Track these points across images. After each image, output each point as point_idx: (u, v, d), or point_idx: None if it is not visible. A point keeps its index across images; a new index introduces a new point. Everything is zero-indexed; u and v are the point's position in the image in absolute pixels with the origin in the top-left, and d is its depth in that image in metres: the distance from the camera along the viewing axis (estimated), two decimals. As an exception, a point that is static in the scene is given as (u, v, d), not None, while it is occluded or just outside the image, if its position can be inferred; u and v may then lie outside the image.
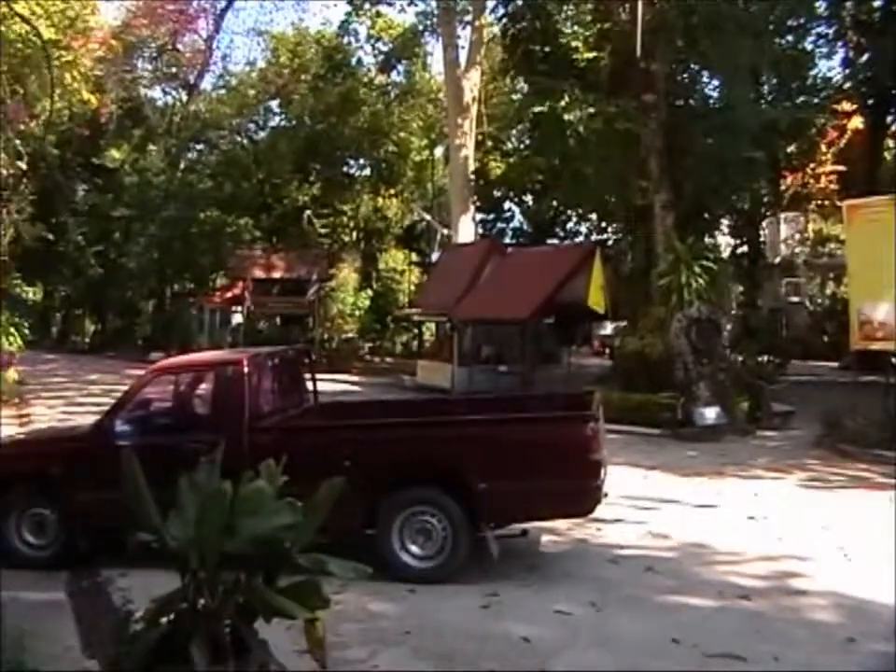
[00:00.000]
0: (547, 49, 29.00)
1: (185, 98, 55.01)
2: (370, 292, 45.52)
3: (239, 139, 53.85)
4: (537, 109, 27.71)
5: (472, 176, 39.33)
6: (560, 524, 11.55)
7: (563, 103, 26.09)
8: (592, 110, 25.81)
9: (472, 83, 39.10)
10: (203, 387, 11.37)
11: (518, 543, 10.63)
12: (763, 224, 36.58)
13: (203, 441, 9.91)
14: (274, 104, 52.96)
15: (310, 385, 12.36)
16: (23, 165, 27.65)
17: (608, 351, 40.41)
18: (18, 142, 28.60)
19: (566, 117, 26.02)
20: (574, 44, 29.44)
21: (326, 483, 6.24)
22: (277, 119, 53.38)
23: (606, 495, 9.98)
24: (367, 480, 9.27)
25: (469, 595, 9.31)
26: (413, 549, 9.74)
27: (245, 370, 10.27)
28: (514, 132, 47.22)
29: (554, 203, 45.43)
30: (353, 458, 9.47)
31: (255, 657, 5.88)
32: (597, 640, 8.06)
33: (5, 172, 28.11)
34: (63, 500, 10.57)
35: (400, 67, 51.83)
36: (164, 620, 6.05)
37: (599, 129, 26.12)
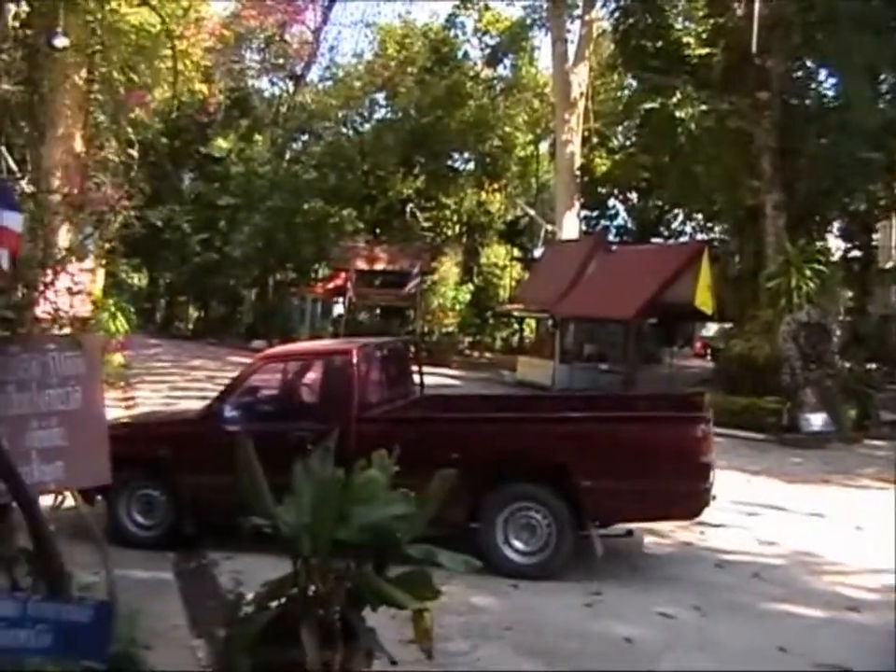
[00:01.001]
0: (659, 44, 28.54)
1: (291, 89, 55.51)
2: (470, 287, 45.47)
3: (344, 131, 54.16)
4: (647, 106, 27.40)
5: (578, 173, 38.99)
6: (663, 525, 11.40)
7: (675, 100, 25.75)
8: (704, 108, 25.40)
9: (580, 78, 38.75)
10: (312, 376, 11.45)
11: (622, 543, 10.51)
12: (877, 228, 35.59)
13: (309, 429, 10.02)
14: (380, 96, 53.11)
15: (416, 377, 12.40)
16: (135, 153, 28.07)
17: (710, 353, 39.87)
18: (130, 130, 29.04)
19: (677, 114, 25.68)
20: (686, 40, 29.02)
21: (438, 475, 6.22)
22: (383, 111, 53.62)
23: (714, 498, 9.82)
24: (473, 473, 9.23)
25: (571, 592, 9.23)
26: (517, 544, 9.69)
27: (354, 360, 10.31)
28: (620, 128, 46.69)
29: (659, 201, 44.93)
30: (460, 451, 9.44)
31: (362, 644, 5.89)
32: (701, 644, 7.93)
33: (116, 159, 28.59)
34: (172, 482, 10.75)
35: (507, 61, 51.59)
36: (273, 604, 6.12)
37: (711, 127, 25.68)
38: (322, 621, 5.76)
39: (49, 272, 6.74)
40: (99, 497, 10.14)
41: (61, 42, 18.10)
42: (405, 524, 5.82)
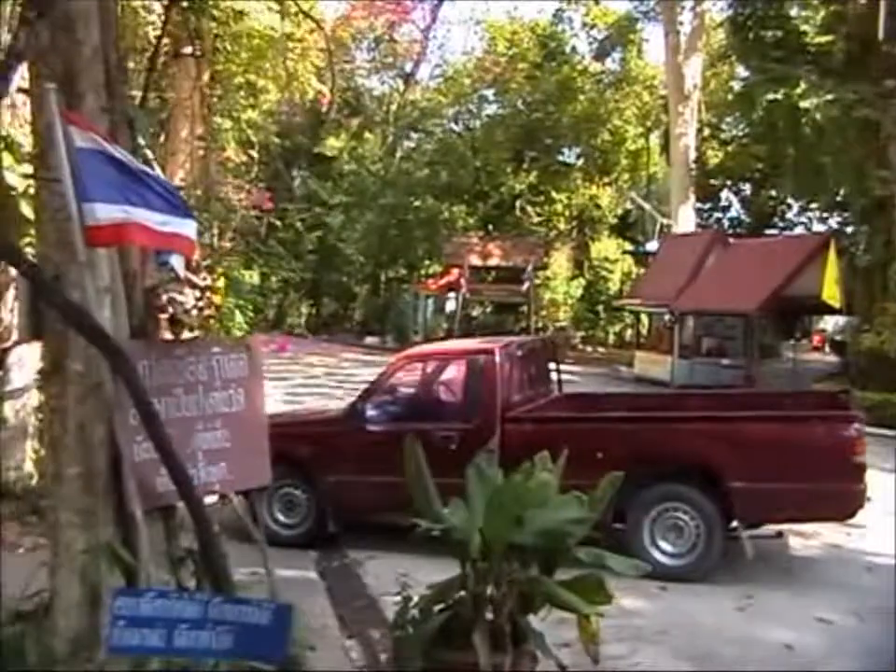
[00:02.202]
0: (778, 33, 27.96)
1: (402, 87, 55.77)
2: (581, 281, 45.21)
3: (455, 127, 54.25)
4: (769, 97, 26.87)
5: (693, 165, 38.46)
6: (807, 526, 11.15)
7: (799, 90, 25.20)
8: (829, 97, 24.78)
9: (693, 70, 38.22)
10: (454, 376, 11.44)
11: (768, 545, 10.30)
12: None
13: (452, 429, 10.04)
14: (490, 92, 53.03)
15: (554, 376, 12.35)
16: (255, 154, 28.52)
17: (828, 346, 39.05)
18: (250, 131, 29.49)
19: (801, 104, 25.13)
20: (804, 28, 28.43)
21: (607, 477, 6.16)
22: (493, 107, 53.50)
23: (869, 499, 9.57)
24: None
25: (722, 595, 9.09)
26: (664, 546, 9.57)
27: (497, 359, 10.28)
28: (731, 119, 45.91)
29: (774, 192, 44.09)
30: (604, 451, 9.35)
31: (530, 648, 5.85)
32: (864, 652, 7.72)
33: (237, 159, 29.07)
34: (314, 481, 10.85)
35: (615, 55, 51.19)
36: (437, 606, 6.10)
37: (836, 116, 25.05)
38: (493, 624, 5.74)
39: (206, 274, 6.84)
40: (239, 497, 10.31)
41: (188, 49, 18.47)
42: (575, 527, 5.76)
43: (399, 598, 6.54)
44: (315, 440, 10.89)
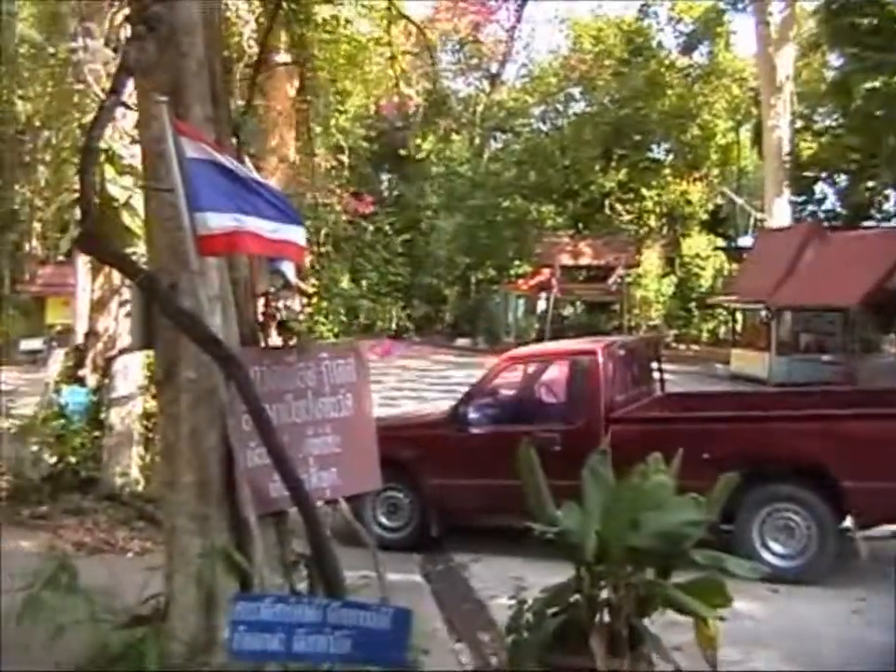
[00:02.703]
0: (874, 20, 27.32)
1: (488, 88, 55.75)
2: (673, 278, 44.73)
3: (543, 127, 54.06)
4: (867, 85, 26.29)
5: (786, 158, 37.79)
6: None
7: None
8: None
9: (785, 61, 37.58)
10: (556, 377, 11.38)
11: (883, 546, 10.01)
12: None
13: (555, 430, 9.98)
14: (576, 90, 52.75)
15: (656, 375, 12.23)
16: (345, 158, 28.70)
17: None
18: (339, 136, 29.66)
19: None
20: (901, 14, 27.76)
21: (722, 478, 6.06)
22: (580, 105, 53.15)
23: None
24: (725, 474, 8.97)
25: (835, 598, 8.88)
26: (775, 547, 9.40)
27: (600, 359, 10.21)
28: (825, 109, 44.96)
29: (870, 183, 43.08)
30: (710, 451, 9.20)
31: (646, 652, 5.77)
32: None
33: (326, 164, 29.26)
34: (417, 484, 10.86)
35: (703, 48, 50.59)
36: (550, 610, 6.04)
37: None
38: (609, 627, 5.67)
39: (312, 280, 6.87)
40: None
41: (283, 58, 18.68)
42: (692, 529, 5.66)
43: (508, 601, 6.48)
44: (418, 443, 10.91)
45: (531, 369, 11.51)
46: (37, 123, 41.56)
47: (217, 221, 5.38)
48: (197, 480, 5.85)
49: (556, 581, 6.07)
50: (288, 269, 5.84)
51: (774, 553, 9.38)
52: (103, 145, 11.56)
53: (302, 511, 5.70)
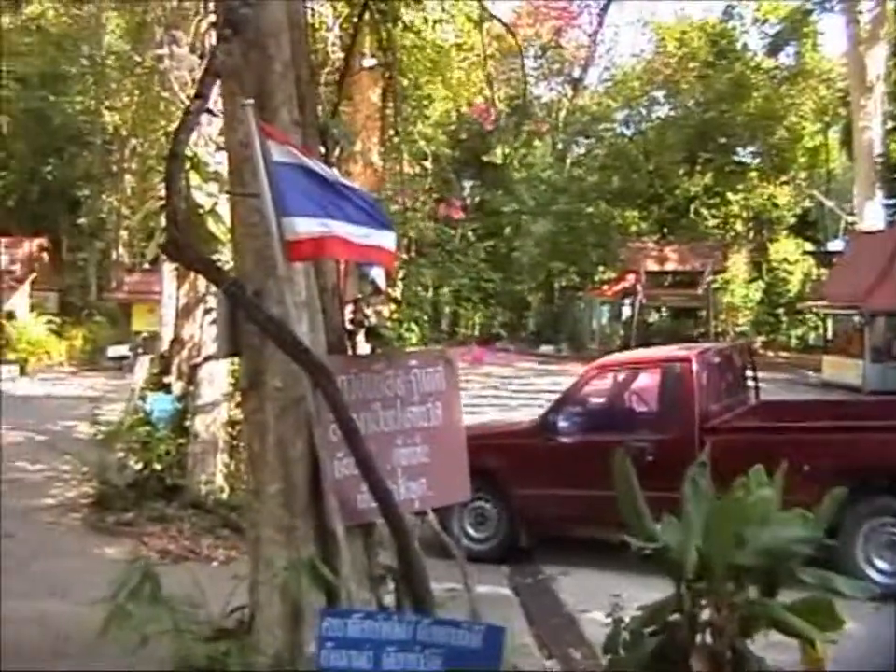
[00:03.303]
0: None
1: (570, 93, 55.41)
2: (760, 283, 44.01)
3: (626, 131, 53.56)
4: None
5: (878, 159, 36.92)
6: None
7: None
8: None
9: (876, 60, 36.71)
10: (648, 385, 11.13)
11: None
12: None
13: (648, 440, 9.72)
14: (660, 94, 52.19)
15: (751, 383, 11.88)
16: (429, 165, 28.66)
17: None
18: (422, 142, 29.64)
19: None
20: None
21: (829, 494, 5.78)
22: (664, 109, 52.57)
23: None
24: (826, 487, 8.62)
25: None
26: (880, 564, 9.02)
27: (694, 367, 9.94)
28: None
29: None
30: (811, 463, 8.85)
31: (750, 673, 5.51)
32: None
33: (410, 171, 29.24)
34: (505, 494, 10.67)
35: (789, 49, 49.69)
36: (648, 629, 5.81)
37: None
38: (711, 648, 5.42)
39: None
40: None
41: (369, 62, 18.63)
42: (800, 546, 5.39)
43: (600, 616, 6.28)
44: (507, 452, 10.73)
45: (622, 376, 11.27)
46: (124, 133, 42.55)
47: (305, 226, 5.25)
48: (283, 490, 5.72)
49: (650, 597, 5.85)
50: (378, 275, 5.68)
51: (879, 570, 9.01)
52: (188, 152, 11.58)
53: (390, 522, 5.55)
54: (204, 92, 5.34)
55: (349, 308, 6.48)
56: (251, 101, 5.35)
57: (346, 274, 6.20)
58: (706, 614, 5.53)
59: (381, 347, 6.21)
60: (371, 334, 6.29)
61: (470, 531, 10.78)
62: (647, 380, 11.14)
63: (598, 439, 10.19)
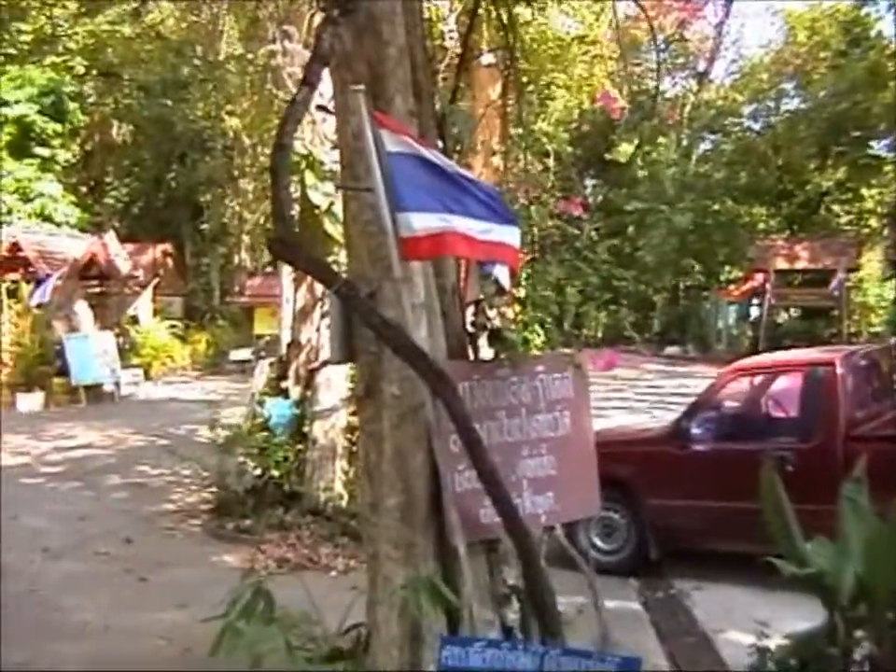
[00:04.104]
0: None
1: (695, 87, 54.31)
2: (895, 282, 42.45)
3: (754, 125, 52.25)
4: None
5: None
6: None
7: None
8: None
9: None
10: (789, 390, 10.51)
11: None
12: None
13: (788, 449, 9.14)
14: (790, 86, 50.76)
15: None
16: (551, 163, 28.19)
17: None
18: (543, 139, 29.21)
19: None
20: None
21: None
22: (794, 101, 51.14)
23: None
24: None
25: None
26: None
27: (839, 370, 9.29)
28: None
29: None
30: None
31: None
32: None
33: (531, 170, 28.79)
34: (634, 504, 10.17)
35: (929, 33, 47.76)
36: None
37: None
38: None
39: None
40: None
41: (486, 59, 18.23)
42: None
43: (733, 636, 5.81)
44: (636, 460, 10.21)
45: (760, 381, 10.66)
46: (244, 137, 43.11)
47: (423, 222, 4.85)
48: (401, 503, 5.36)
49: (791, 619, 5.37)
50: (502, 273, 5.26)
51: None
52: (302, 150, 11.36)
53: (516, 539, 5.16)
54: (311, 79, 4.97)
55: (470, 310, 6.10)
56: (362, 87, 4.99)
57: (468, 274, 5.78)
58: (863, 646, 5.01)
59: (505, 352, 5.78)
60: (495, 338, 5.87)
61: (598, 542, 10.27)
62: (787, 384, 10.54)
63: (735, 447, 9.66)
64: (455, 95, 6.85)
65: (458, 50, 10.84)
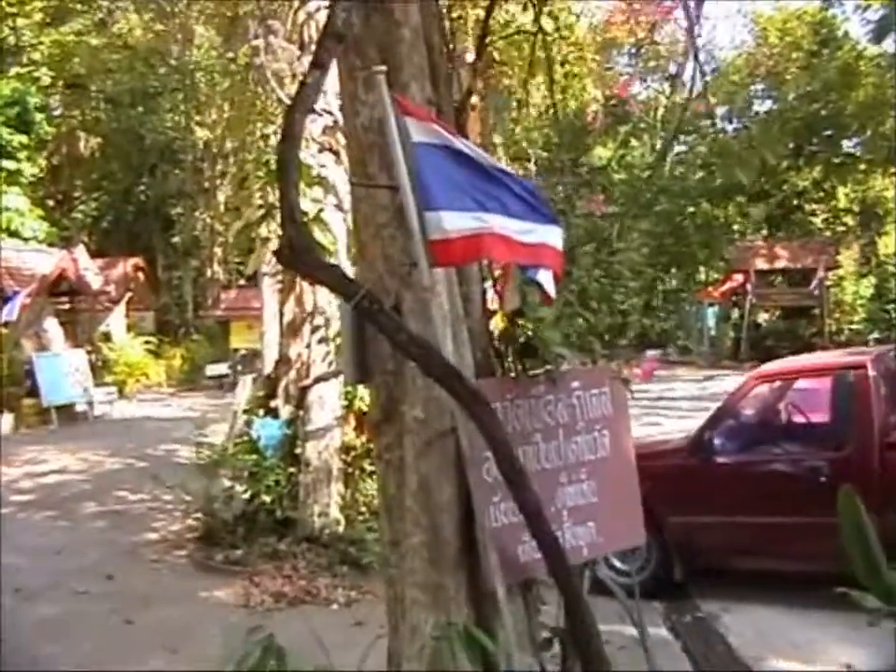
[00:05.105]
0: None
1: (668, 90, 54.02)
2: (871, 279, 42.22)
3: (728, 127, 52.01)
4: None
5: None
6: None
7: None
8: None
9: None
10: (818, 396, 9.97)
11: None
12: None
13: (821, 458, 8.60)
14: (761, 87, 50.58)
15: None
16: (532, 167, 27.70)
17: None
18: (524, 144, 28.75)
19: None
20: None
21: None
22: (768, 102, 50.97)
23: None
24: None
25: None
26: None
27: (871, 374, 8.72)
28: None
29: None
30: None
31: None
32: None
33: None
34: (656, 522, 9.54)
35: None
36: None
37: None
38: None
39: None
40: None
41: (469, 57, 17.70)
42: None
43: (775, 664, 5.29)
44: (655, 474, 9.55)
45: (786, 386, 10.10)
46: (215, 149, 42.41)
47: (455, 222, 4.21)
48: (428, 542, 4.71)
49: (837, 643, 4.79)
50: (546, 279, 4.60)
51: None
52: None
53: (559, 579, 4.55)
54: (323, 60, 4.30)
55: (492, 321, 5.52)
56: (383, 67, 4.35)
57: (506, 280, 5.13)
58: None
59: (539, 367, 5.16)
60: (527, 351, 5.24)
61: (616, 563, 9.63)
62: (815, 389, 10.02)
63: (762, 457, 9.12)
64: (475, 79, 6.23)
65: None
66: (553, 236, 4.55)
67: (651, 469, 9.62)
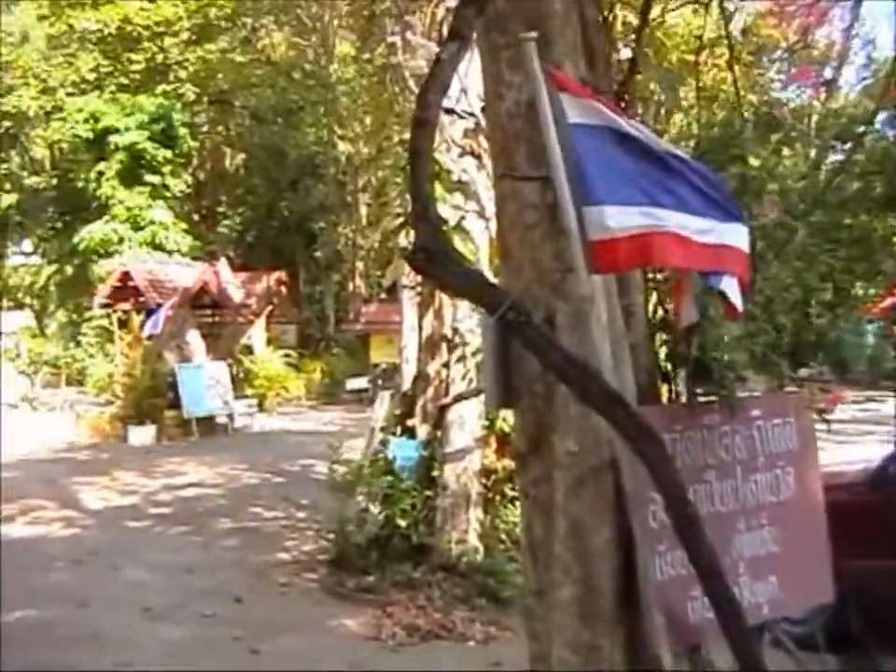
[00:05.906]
0: None
1: (823, 96, 52.20)
2: None
3: (889, 133, 49.96)
4: None
5: None
6: None
7: None
8: None
9: None
10: None
11: None
12: None
13: None
14: (924, 89, 48.39)
15: None
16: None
17: None
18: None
19: None
20: None
21: None
22: (931, 104, 48.68)
23: None
24: None
25: None
26: None
27: None
28: None
29: None
30: None
31: None
32: None
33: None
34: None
35: None
36: None
37: None
38: None
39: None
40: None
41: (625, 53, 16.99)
42: None
43: None
44: (829, 510, 8.65)
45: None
46: (357, 163, 42.44)
47: (621, 219, 3.48)
48: (579, 595, 4.02)
49: None
50: (730, 287, 3.84)
51: None
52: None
53: (735, 643, 3.74)
54: (462, 30, 3.61)
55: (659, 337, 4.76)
56: (533, 34, 3.65)
57: (682, 288, 4.32)
58: None
59: (715, 392, 4.40)
60: (697, 372, 4.48)
61: (788, 611, 8.74)
62: None
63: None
64: (634, 63, 5.46)
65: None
66: (737, 236, 3.80)
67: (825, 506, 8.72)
